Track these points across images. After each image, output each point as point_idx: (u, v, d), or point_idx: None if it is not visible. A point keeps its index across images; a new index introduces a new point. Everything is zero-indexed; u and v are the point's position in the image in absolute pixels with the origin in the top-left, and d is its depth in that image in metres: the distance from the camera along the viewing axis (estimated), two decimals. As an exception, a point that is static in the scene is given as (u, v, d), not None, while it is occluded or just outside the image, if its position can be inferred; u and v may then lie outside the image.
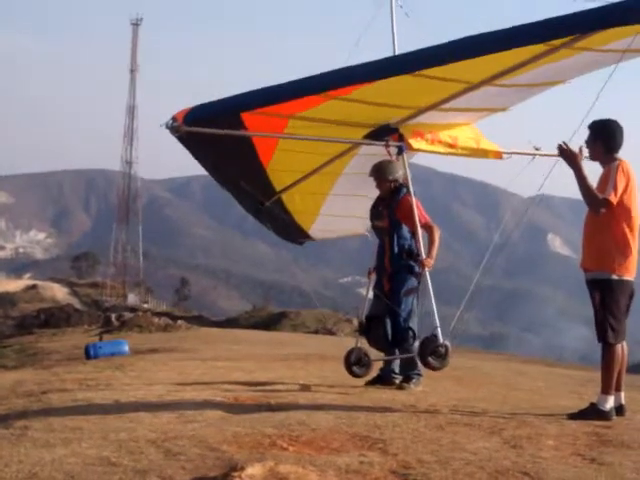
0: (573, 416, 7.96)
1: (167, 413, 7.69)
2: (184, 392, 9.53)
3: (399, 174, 10.31)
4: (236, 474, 5.20)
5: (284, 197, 12.02)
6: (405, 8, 11.17)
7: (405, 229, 10.22)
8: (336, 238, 14.47)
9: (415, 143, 9.83)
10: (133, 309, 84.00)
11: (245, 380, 10.91)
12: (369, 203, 10.97)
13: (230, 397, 8.97)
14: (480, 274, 9.91)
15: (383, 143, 9.86)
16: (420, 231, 9.83)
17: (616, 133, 8.06)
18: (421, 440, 6.65)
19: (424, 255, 9.77)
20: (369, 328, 10.40)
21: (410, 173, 10.22)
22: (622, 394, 8.25)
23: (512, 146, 10.73)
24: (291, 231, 13.39)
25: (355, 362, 10.68)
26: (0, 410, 8.80)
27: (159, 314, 56.91)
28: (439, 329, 9.23)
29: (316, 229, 13.09)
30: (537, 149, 10.61)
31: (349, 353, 10.73)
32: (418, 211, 9.94)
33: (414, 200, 9.96)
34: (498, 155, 10.55)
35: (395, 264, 10.25)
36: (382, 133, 9.89)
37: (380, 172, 10.38)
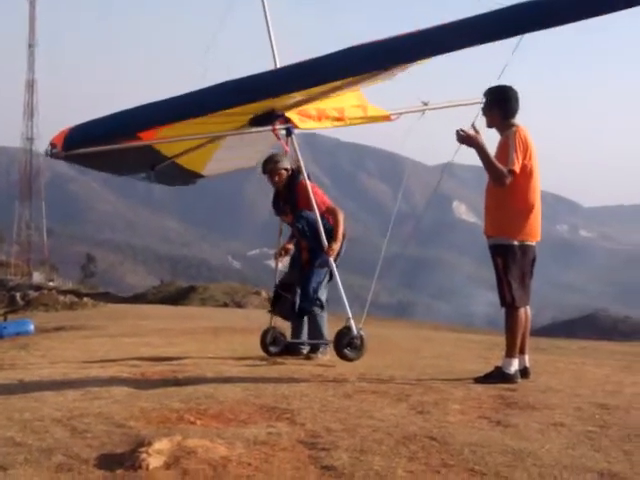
0: (479, 380, 8.08)
1: (72, 391, 7.57)
2: (90, 370, 9.42)
3: (289, 162, 10.32)
4: (143, 450, 5.15)
5: (175, 159, 11.77)
6: None
7: (311, 214, 10.10)
8: (227, 173, 14.18)
9: (302, 123, 9.76)
10: (38, 287, 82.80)
11: (152, 355, 10.84)
12: (260, 145, 10.92)
13: (137, 373, 8.88)
14: (387, 243, 9.97)
15: (270, 128, 9.80)
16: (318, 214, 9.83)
17: (511, 99, 8.15)
18: (329, 409, 6.67)
19: (326, 243, 9.76)
20: (278, 297, 10.38)
21: (301, 156, 10.19)
22: (526, 357, 8.40)
23: (403, 108, 10.63)
24: (183, 178, 13.00)
25: (271, 342, 10.69)
26: None
27: (65, 292, 56.37)
28: (352, 320, 9.33)
29: (208, 169, 12.80)
30: (425, 103, 10.39)
31: (265, 333, 10.72)
32: (317, 197, 9.95)
33: (309, 185, 9.97)
34: (387, 118, 10.49)
35: (312, 243, 10.19)
36: (267, 119, 9.81)
37: (272, 166, 10.46)
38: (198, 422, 6.18)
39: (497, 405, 6.95)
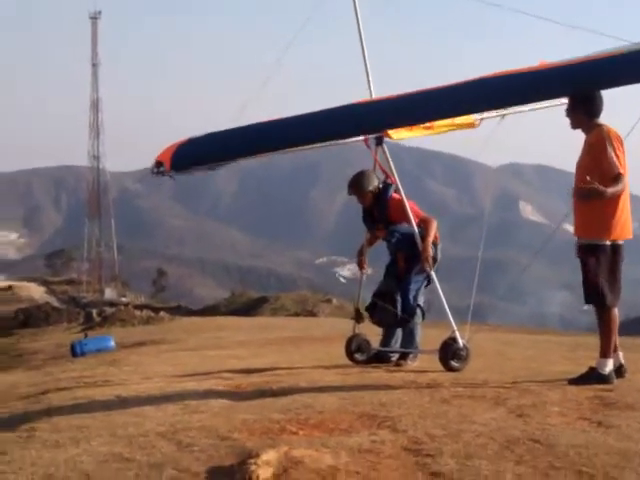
0: (574, 381, 8.03)
1: (171, 405, 7.68)
2: (184, 383, 9.52)
3: (376, 181, 10.28)
4: (252, 461, 5.22)
5: None
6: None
7: (405, 225, 10.04)
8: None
9: (395, 133, 9.75)
10: (111, 304, 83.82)
11: (241, 367, 10.90)
12: None
13: (231, 385, 8.95)
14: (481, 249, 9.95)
15: (362, 138, 9.82)
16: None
17: (596, 98, 8.10)
18: (428, 415, 6.69)
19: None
20: (375, 305, 10.38)
21: (393, 166, 10.16)
22: (620, 354, 8.35)
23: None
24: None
25: (356, 349, 10.71)
26: (2, 414, 8.76)
27: (139, 307, 56.85)
28: (457, 332, 9.36)
29: None
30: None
31: (349, 341, 10.73)
32: (411, 209, 9.91)
33: (403, 197, 9.97)
34: (472, 125, 10.51)
35: (410, 252, 10.12)
36: None
37: (359, 188, 10.34)
38: (300, 432, 6.24)
39: (595, 406, 6.92)
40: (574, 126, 8.27)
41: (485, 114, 10.33)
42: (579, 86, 7.67)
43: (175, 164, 8.39)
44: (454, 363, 9.41)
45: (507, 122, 10.62)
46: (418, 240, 9.78)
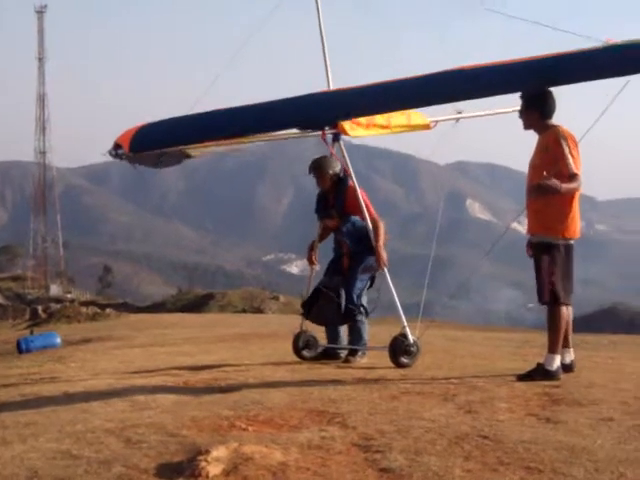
0: (522, 378, 8.10)
1: (120, 402, 7.61)
2: (132, 380, 9.45)
3: (338, 167, 10.29)
4: (202, 458, 5.19)
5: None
6: None
7: (358, 219, 10.15)
8: (213, 154, 13.99)
9: (352, 130, 9.79)
10: (57, 300, 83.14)
11: (190, 364, 10.85)
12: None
13: (180, 382, 8.90)
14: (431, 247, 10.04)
15: (319, 133, 9.83)
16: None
17: (549, 99, 8.23)
18: (378, 411, 6.71)
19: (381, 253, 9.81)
20: (312, 302, 10.37)
21: (349, 162, 10.17)
22: (571, 350, 8.47)
23: (435, 114, 10.81)
24: (173, 161, 12.72)
25: (304, 346, 10.72)
26: (-54, 410, 8.64)
27: (85, 303, 56.55)
28: (407, 328, 9.39)
29: (201, 152, 12.62)
30: (459, 112, 10.66)
31: (297, 337, 10.74)
32: (365, 202, 9.94)
33: (359, 189, 9.98)
34: (427, 127, 10.63)
35: (355, 248, 10.24)
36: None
37: (320, 169, 10.34)
38: (250, 428, 6.21)
39: (544, 402, 6.98)
40: (527, 127, 8.40)
41: (441, 117, 10.47)
42: (542, 80, 7.75)
43: (134, 146, 8.39)
44: (404, 359, 9.44)
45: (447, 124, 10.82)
46: (371, 235, 9.82)
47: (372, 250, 10.01)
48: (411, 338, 9.46)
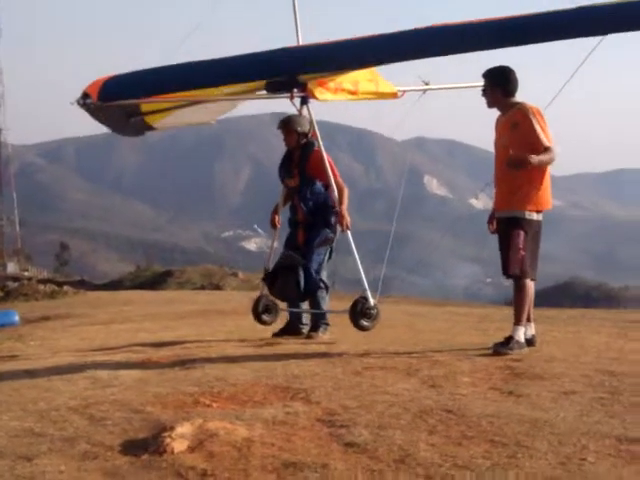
0: (499, 351, 8.13)
1: (82, 379, 7.58)
2: (94, 357, 9.40)
3: (307, 127, 10.23)
4: (166, 434, 5.19)
5: (146, 116, 11.59)
6: None
7: (318, 184, 10.17)
8: (179, 127, 14.04)
9: (320, 94, 9.79)
10: (14, 278, 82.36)
11: (151, 341, 10.82)
12: (227, 104, 10.89)
13: (142, 359, 8.88)
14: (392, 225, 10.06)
15: (287, 95, 9.81)
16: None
17: (512, 78, 8.34)
18: (341, 387, 6.73)
19: (347, 219, 9.80)
20: (274, 279, 10.37)
21: (316, 125, 10.15)
22: (532, 325, 8.57)
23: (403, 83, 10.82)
24: (135, 129, 12.68)
25: (263, 310, 10.75)
26: None
27: (42, 281, 56.09)
28: (368, 291, 9.39)
29: (161, 123, 12.60)
30: (427, 84, 10.70)
31: (257, 302, 10.77)
32: (330, 166, 9.93)
33: (325, 154, 9.97)
34: (394, 95, 10.64)
35: (311, 218, 10.22)
36: (286, 85, 9.73)
37: (288, 124, 10.27)
38: (214, 405, 6.22)
39: (506, 376, 7.04)
40: (491, 105, 8.52)
41: (408, 87, 10.50)
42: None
43: (102, 95, 8.28)
44: (364, 322, 9.42)
45: (412, 96, 10.84)
46: (335, 196, 9.84)
47: (327, 222, 10.10)
48: (372, 301, 9.44)
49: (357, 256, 9.69)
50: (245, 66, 8.57)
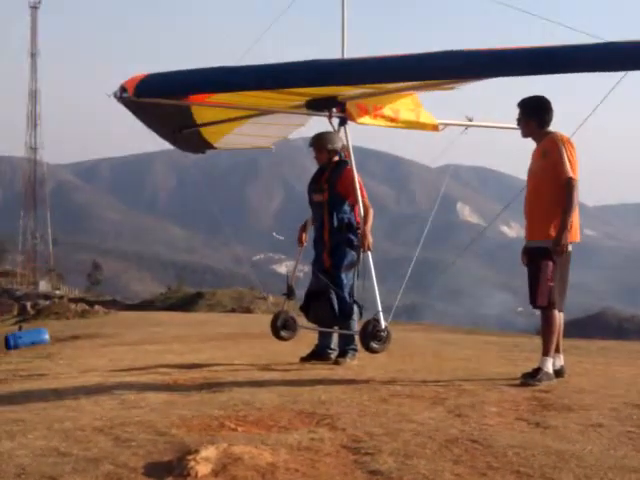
0: (526, 377, 8.10)
1: (109, 400, 7.60)
2: (121, 378, 9.43)
3: (338, 145, 10.20)
4: (191, 457, 5.19)
5: (200, 128, 11.67)
6: None
7: (346, 203, 10.17)
8: (239, 149, 14.15)
9: (359, 117, 9.82)
10: (46, 296, 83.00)
11: (179, 363, 10.83)
12: (283, 129, 10.87)
13: (169, 381, 8.88)
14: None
15: (326, 114, 9.84)
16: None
17: (548, 108, 8.38)
18: (367, 413, 6.70)
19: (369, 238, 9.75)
20: (308, 304, 10.35)
21: (352, 148, 10.13)
22: (561, 355, 8.53)
23: (444, 116, 10.85)
24: (196, 146, 12.91)
25: (282, 326, 10.79)
26: None
27: (73, 300, 56.37)
28: (381, 313, 9.33)
29: (222, 142, 12.71)
30: (470, 120, 10.75)
31: (275, 317, 10.85)
32: (360, 186, 9.92)
33: (356, 174, 9.95)
34: (435, 128, 10.67)
35: (335, 238, 10.14)
36: (326, 104, 9.83)
37: (319, 141, 10.25)
38: (239, 429, 6.21)
39: (533, 407, 6.99)
40: (525, 135, 8.58)
41: (450, 121, 10.53)
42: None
43: (139, 90, 8.28)
44: (374, 344, 9.31)
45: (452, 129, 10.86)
46: (360, 215, 9.83)
47: (350, 243, 10.06)
48: (383, 323, 9.33)
49: (374, 276, 9.59)
50: (287, 71, 8.50)
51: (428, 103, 10.68)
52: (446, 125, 10.75)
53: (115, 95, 8.38)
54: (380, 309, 9.37)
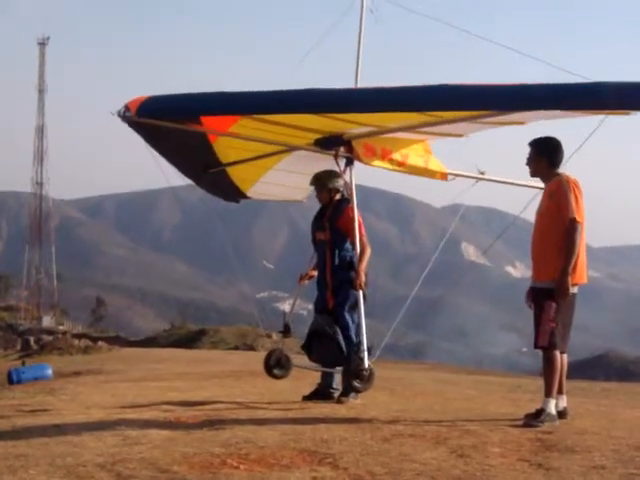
0: (529, 424, 8.07)
1: (111, 436, 7.59)
2: (124, 414, 9.40)
3: (340, 183, 10.28)
4: (192, 495, 5.20)
5: (227, 167, 11.72)
6: (375, 14, 11.04)
7: (347, 241, 10.18)
8: (273, 201, 14.25)
9: (366, 158, 9.81)
10: (49, 332, 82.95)
11: (182, 400, 10.79)
12: (308, 178, 10.89)
13: (171, 418, 8.88)
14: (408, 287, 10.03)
15: (332, 153, 9.90)
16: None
17: (559, 149, 8.44)
18: (369, 453, 6.70)
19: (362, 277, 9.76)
20: (310, 344, 10.35)
21: (354, 186, 10.16)
22: (564, 397, 8.53)
23: (452, 163, 10.85)
24: (228, 192, 12.96)
25: (275, 364, 10.81)
26: (-64, 440, 8.59)
27: (77, 336, 56.39)
28: (366, 353, 9.30)
29: (254, 191, 12.76)
30: (482, 173, 10.77)
31: (269, 355, 10.90)
32: (359, 224, 9.94)
33: (357, 213, 9.98)
34: (444, 177, 10.68)
35: (337, 277, 10.19)
36: (333, 142, 9.85)
37: (320, 180, 10.36)
38: (241, 467, 6.20)
39: (536, 448, 6.97)
40: (534, 174, 8.65)
41: (461, 172, 10.56)
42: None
43: (141, 110, 8.32)
44: (356, 383, 9.27)
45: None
46: (357, 248, 9.82)
47: (352, 282, 9.96)
48: (367, 362, 9.26)
49: (363, 315, 9.60)
50: (296, 97, 8.49)
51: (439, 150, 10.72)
52: (456, 176, 10.77)
53: (119, 114, 8.43)
54: (365, 347, 9.34)
